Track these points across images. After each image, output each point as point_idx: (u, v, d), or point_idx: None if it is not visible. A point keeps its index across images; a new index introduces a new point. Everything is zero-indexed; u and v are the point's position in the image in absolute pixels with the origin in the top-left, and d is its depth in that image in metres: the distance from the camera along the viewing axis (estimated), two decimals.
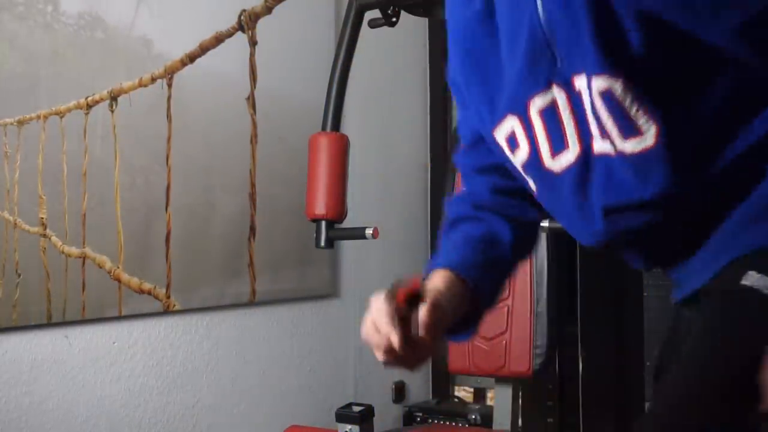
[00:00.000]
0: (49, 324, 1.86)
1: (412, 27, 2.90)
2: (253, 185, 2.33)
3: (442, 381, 2.87)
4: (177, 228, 2.12)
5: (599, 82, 0.78)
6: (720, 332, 0.76)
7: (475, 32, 0.91)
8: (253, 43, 2.33)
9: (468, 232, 1.04)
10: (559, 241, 2.08)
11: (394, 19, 2.06)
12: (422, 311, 0.88)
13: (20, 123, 1.82)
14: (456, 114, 2.98)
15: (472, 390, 2.84)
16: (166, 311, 2.10)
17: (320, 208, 1.96)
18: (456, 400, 2.78)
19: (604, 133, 0.81)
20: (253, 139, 2.33)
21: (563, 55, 0.81)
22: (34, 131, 1.85)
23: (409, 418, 2.69)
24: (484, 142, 0.97)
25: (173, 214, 2.12)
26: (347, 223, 2.05)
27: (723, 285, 0.78)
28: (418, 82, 3.00)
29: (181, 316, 2.15)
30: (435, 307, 0.88)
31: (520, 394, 2.13)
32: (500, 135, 0.91)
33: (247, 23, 2.31)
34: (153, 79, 2.08)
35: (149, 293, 2.06)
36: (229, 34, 2.27)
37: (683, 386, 0.76)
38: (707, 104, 0.78)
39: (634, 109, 0.78)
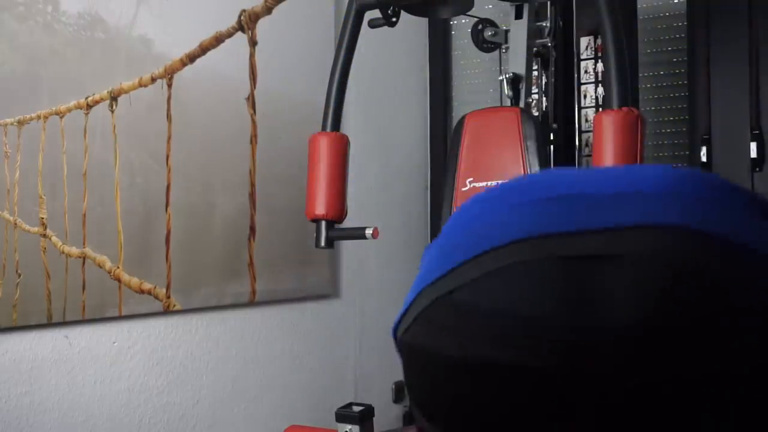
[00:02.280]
0: (50, 324, 1.87)
1: (412, 27, 2.90)
2: (253, 185, 2.33)
3: None
4: (177, 228, 2.13)
5: None
6: None
7: None
8: (253, 43, 2.33)
9: None
10: None
11: (394, 19, 2.06)
12: None
13: (20, 123, 1.82)
14: (456, 113, 2.98)
15: None
16: (166, 311, 2.11)
17: (320, 208, 1.96)
18: None
19: None
20: (253, 139, 2.33)
21: None
22: (34, 131, 1.85)
23: (409, 418, 2.69)
24: None
25: (173, 214, 2.12)
26: (347, 223, 2.05)
27: None
28: (418, 82, 3.01)
29: (181, 316, 2.15)
30: None
31: None
32: None
33: (247, 23, 2.31)
34: (153, 79, 2.08)
35: (149, 293, 2.06)
36: (229, 34, 2.27)
37: None
38: None
39: None
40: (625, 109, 1.66)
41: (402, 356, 0.65)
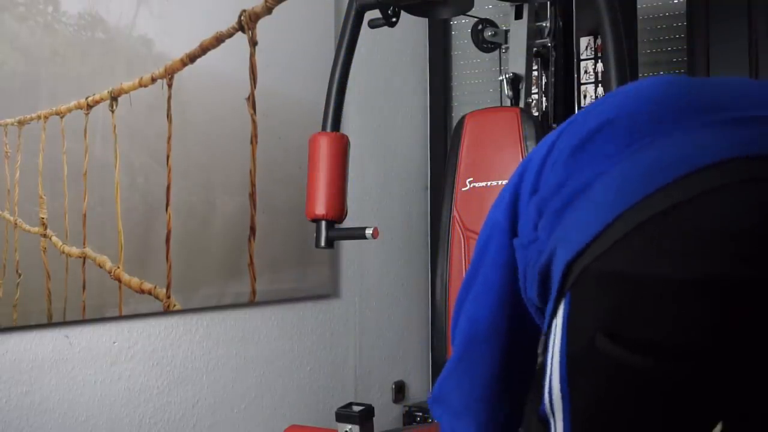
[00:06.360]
0: (50, 324, 1.87)
1: (412, 27, 2.90)
2: (253, 185, 2.33)
3: None
4: (177, 228, 2.13)
5: None
6: None
7: None
8: (253, 43, 2.33)
9: None
10: None
11: (394, 19, 2.06)
12: None
13: (20, 123, 1.83)
14: (456, 113, 2.98)
15: None
16: (166, 311, 2.11)
17: (320, 208, 1.96)
18: None
19: None
20: (253, 139, 2.33)
21: None
22: (34, 131, 1.85)
23: (409, 418, 2.69)
24: None
25: (173, 214, 2.12)
26: (347, 223, 2.05)
27: None
28: (418, 82, 3.01)
29: (181, 316, 2.15)
30: None
31: None
32: None
33: (247, 23, 2.31)
34: (153, 79, 2.08)
35: (149, 293, 2.06)
36: (229, 34, 2.27)
37: None
38: None
39: None
40: None
41: (586, 286, 0.61)
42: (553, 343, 0.67)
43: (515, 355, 0.86)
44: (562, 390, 0.64)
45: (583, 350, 0.62)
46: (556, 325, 0.67)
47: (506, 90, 2.21)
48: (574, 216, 0.68)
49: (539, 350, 0.82)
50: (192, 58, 2.17)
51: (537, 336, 0.83)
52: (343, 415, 1.93)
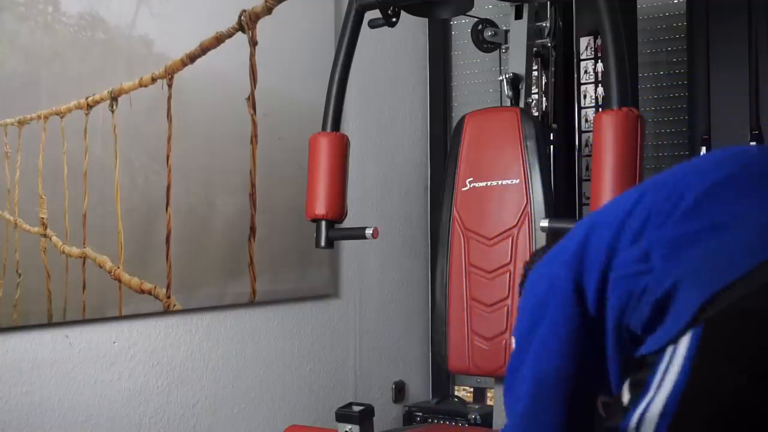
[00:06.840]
0: (50, 324, 1.87)
1: (412, 27, 2.90)
2: (253, 185, 2.33)
3: (442, 381, 2.88)
4: (177, 228, 2.13)
5: None
6: None
7: None
8: (253, 43, 2.33)
9: None
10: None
11: (394, 19, 2.06)
12: None
13: (21, 123, 1.83)
14: (456, 113, 2.98)
15: (472, 390, 2.84)
16: (166, 311, 2.11)
17: (320, 208, 1.96)
18: (456, 400, 2.78)
19: None
20: (253, 139, 2.33)
21: None
22: (34, 131, 1.85)
23: (409, 418, 2.69)
24: None
25: (173, 214, 2.12)
26: (347, 223, 2.05)
27: None
28: (418, 82, 3.01)
29: (181, 316, 2.15)
30: None
31: None
32: None
33: (247, 23, 2.31)
34: (153, 79, 2.08)
35: (149, 293, 2.06)
36: (229, 34, 2.27)
37: None
38: None
39: None
40: (624, 109, 1.67)
41: (729, 323, 0.67)
42: (665, 368, 0.71)
43: (581, 399, 0.91)
44: (665, 411, 0.69)
45: (713, 380, 0.67)
46: (673, 353, 0.71)
47: (506, 90, 2.21)
48: (706, 253, 0.73)
49: (625, 373, 0.88)
50: (192, 58, 2.17)
51: (600, 379, 0.89)
52: (343, 415, 1.93)
